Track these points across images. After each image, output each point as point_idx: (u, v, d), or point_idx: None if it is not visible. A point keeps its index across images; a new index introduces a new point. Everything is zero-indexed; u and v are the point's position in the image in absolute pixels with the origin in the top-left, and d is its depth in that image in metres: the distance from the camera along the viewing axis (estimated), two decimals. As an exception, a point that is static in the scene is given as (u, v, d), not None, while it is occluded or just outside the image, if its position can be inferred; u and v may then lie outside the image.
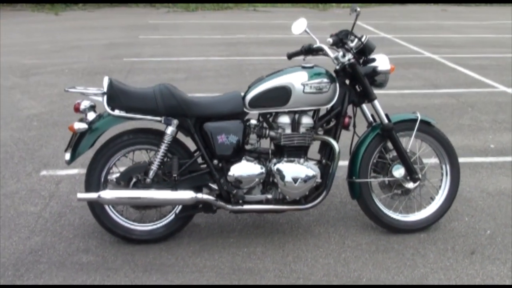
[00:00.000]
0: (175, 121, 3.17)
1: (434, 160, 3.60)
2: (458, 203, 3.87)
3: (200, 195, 3.19)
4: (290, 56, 3.54)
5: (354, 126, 3.47)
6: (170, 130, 3.17)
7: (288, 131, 3.26)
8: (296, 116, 3.28)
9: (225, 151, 3.22)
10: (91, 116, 3.19)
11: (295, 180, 3.20)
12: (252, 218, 3.66)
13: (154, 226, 3.35)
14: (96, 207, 3.26)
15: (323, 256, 3.23)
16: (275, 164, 3.24)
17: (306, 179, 3.21)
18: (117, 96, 3.12)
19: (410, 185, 3.43)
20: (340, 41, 3.24)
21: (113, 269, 3.09)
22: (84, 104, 3.18)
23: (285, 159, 3.27)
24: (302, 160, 3.27)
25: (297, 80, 3.19)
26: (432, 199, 3.58)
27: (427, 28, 13.22)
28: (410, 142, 3.43)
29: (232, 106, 3.23)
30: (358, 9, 3.17)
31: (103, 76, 3.24)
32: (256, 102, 3.22)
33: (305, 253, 3.26)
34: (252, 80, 3.38)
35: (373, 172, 3.48)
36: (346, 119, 3.34)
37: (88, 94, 3.15)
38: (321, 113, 3.38)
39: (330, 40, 3.18)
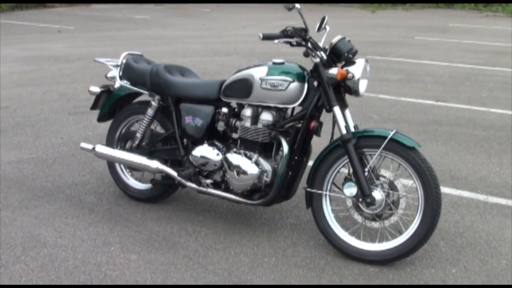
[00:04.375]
0: (157, 97, 3.56)
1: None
2: (477, 253, 3.18)
3: (162, 167, 3.51)
4: (306, 55, 3.44)
5: (332, 133, 3.23)
6: (152, 104, 3.58)
7: (247, 124, 3.28)
8: (259, 110, 3.27)
9: (189, 132, 3.45)
10: (117, 84, 3.82)
11: (238, 172, 3.23)
12: (244, 207, 3.74)
13: (143, 188, 3.81)
14: (108, 161, 3.91)
15: (247, 254, 3.17)
16: (228, 153, 3.32)
17: (248, 174, 3.20)
18: (124, 69, 3.68)
19: (364, 208, 3.04)
20: (281, 37, 3.05)
21: (93, 211, 3.70)
22: (112, 73, 3.82)
23: (241, 150, 3.31)
24: (255, 155, 3.25)
25: (257, 74, 3.19)
26: (400, 233, 3.07)
27: None
28: (372, 160, 3.03)
29: (206, 92, 3.42)
30: (298, 5, 2.95)
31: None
32: (227, 91, 3.34)
33: (235, 248, 3.24)
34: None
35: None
36: (312, 123, 3.15)
37: (107, 65, 3.78)
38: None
39: (261, 35, 3.04)
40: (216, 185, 3.43)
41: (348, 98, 3.14)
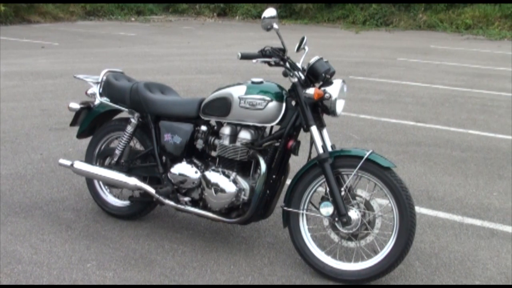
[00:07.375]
0: (137, 114, 3.57)
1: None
2: (452, 274, 3.21)
3: (140, 184, 3.51)
4: (285, 74, 3.48)
5: (310, 152, 3.26)
6: (131, 121, 3.59)
7: (226, 142, 3.30)
8: (238, 129, 3.29)
9: (168, 149, 3.46)
10: (97, 101, 3.82)
11: (216, 190, 3.24)
12: (222, 225, 3.74)
13: (121, 204, 3.80)
14: (87, 178, 3.89)
15: (224, 273, 3.17)
16: (206, 171, 3.33)
17: (226, 192, 3.21)
18: (104, 86, 3.69)
19: (340, 227, 3.06)
20: (259, 56, 3.09)
21: (70, 228, 3.67)
22: (92, 90, 3.82)
23: (220, 168, 3.32)
24: (233, 174, 3.27)
25: (236, 93, 3.22)
26: (376, 252, 3.10)
27: None
28: (348, 180, 3.06)
29: (185, 109, 3.44)
30: (276, 26, 3.00)
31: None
32: (206, 109, 3.36)
33: (212, 266, 3.23)
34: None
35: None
36: (290, 142, 3.18)
37: (87, 82, 3.78)
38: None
39: (239, 54, 3.08)
40: (194, 203, 3.43)
41: (329, 117, 3.17)
